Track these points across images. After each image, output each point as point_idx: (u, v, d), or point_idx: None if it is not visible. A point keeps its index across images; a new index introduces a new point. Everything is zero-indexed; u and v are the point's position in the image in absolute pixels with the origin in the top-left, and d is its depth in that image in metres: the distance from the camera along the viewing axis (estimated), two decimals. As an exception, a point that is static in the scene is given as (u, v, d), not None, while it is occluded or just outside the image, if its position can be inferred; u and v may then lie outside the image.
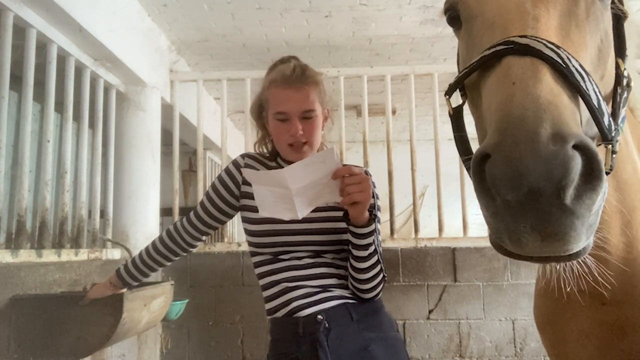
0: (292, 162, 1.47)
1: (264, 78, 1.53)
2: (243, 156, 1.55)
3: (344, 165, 1.29)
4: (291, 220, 1.34)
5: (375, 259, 1.36)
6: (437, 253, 3.54)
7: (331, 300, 1.36)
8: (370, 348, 1.32)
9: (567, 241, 0.62)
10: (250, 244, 1.45)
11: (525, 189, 0.60)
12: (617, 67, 0.88)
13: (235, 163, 1.53)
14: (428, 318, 3.51)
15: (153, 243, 1.61)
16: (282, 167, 1.45)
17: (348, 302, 1.38)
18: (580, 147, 0.61)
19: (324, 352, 1.28)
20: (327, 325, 1.32)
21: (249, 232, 1.45)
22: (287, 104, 1.42)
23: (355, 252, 1.34)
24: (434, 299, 3.52)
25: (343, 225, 1.38)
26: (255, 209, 1.37)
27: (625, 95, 0.87)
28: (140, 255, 1.62)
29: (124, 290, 1.82)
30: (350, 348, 1.31)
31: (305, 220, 1.36)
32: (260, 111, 1.54)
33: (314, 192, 1.27)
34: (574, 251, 0.65)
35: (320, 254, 1.41)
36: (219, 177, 1.53)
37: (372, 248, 1.34)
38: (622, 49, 0.90)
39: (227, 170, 1.52)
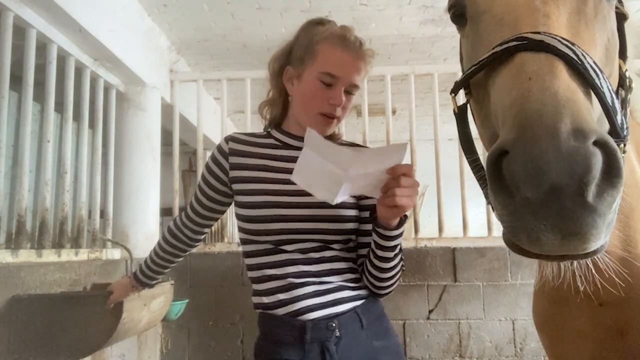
0: (297, 135, 1.34)
1: (302, 33, 1.35)
2: (227, 140, 1.37)
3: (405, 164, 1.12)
4: (295, 205, 1.23)
5: (399, 258, 1.29)
6: (437, 253, 3.54)
7: (342, 304, 1.26)
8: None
9: (587, 239, 0.61)
10: (246, 231, 1.30)
11: (547, 186, 0.58)
12: (619, 67, 0.88)
13: (219, 149, 1.37)
14: (428, 318, 3.51)
15: (158, 243, 1.58)
16: (278, 142, 1.36)
17: (357, 305, 1.29)
18: (600, 144, 0.59)
19: None
20: (338, 333, 1.22)
21: (244, 218, 1.29)
22: (342, 67, 1.25)
23: (380, 253, 1.23)
24: (434, 299, 3.52)
25: (350, 213, 1.28)
26: (250, 193, 1.27)
27: (628, 96, 0.87)
28: (150, 257, 1.60)
29: (142, 290, 1.77)
30: (359, 358, 1.25)
31: (309, 205, 1.24)
32: (284, 64, 1.36)
33: (364, 182, 1.13)
34: (592, 249, 0.64)
35: (328, 245, 1.28)
36: (207, 167, 1.40)
37: (398, 249, 1.26)
38: (623, 50, 0.90)
39: (213, 158, 1.38)
